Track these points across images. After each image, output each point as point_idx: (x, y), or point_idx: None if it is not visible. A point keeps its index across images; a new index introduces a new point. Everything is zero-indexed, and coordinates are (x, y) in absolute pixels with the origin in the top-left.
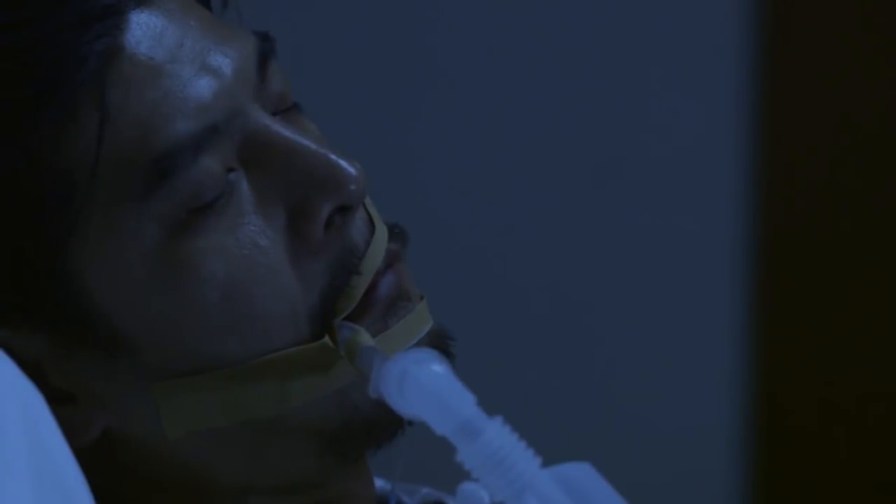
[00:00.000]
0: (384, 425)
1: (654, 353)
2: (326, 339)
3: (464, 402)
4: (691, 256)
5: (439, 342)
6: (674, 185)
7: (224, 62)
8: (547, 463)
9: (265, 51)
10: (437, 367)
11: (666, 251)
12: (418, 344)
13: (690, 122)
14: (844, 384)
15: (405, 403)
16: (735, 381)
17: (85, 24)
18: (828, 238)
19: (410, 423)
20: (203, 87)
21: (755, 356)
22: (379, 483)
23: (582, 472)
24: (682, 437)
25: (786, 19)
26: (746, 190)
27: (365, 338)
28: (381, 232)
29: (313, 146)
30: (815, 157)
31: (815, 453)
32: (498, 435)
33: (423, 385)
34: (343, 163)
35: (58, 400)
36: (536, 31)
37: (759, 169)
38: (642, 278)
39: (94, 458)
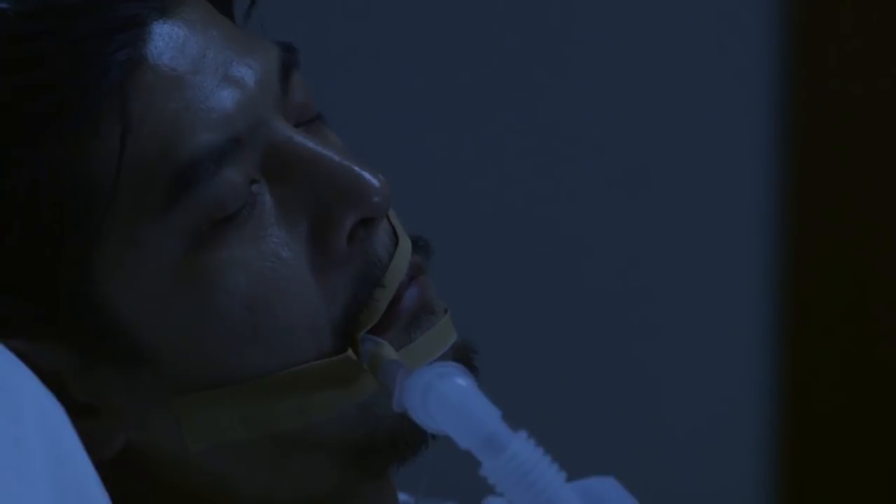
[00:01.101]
0: (408, 439)
1: (680, 369)
2: (349, 352)
3: (488, 415)
4: (718, 261)
5: (463, 355)
6: (700, 190)
7: (247, 73)
8: (571, 477)
9: (288, 61)
10: (462, 381)
11: (692, 257)
12: (442, 357)
13: (718, 128)
14: (872, 386)
15: (429, 417)
16: (761, 393)
17: (107, 34)
18: (857, 245)
19: (434, 437)
20: (226, 98)
21: (781, 366)
22: (402, 497)
23: (607, 487)
24: (708, 453)
25: (815, 22)
26: (774, 195)
27: (388, 351)
28: (405, 244)
29: (336, 157)
30: (844, 165)
31: (841, 460)
32: (523, 449)
33: (447, 398)
34: (366, 174)
35: (79, 413)
36: (561, 37)
37: (787, 174)
38: (667, 287)
39: (115, 471)
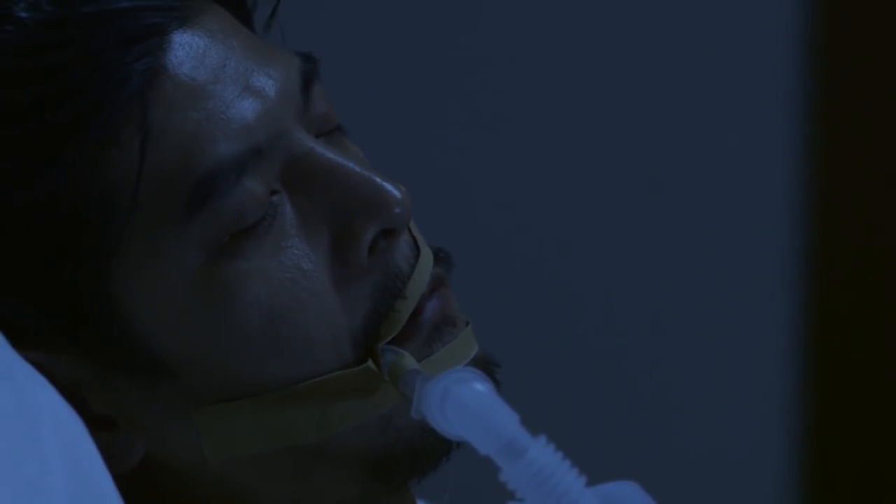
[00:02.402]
0: (428, 453)
1: (704, 374)
2: (370, 362)
3: (507, 420)
4: (741, 271)
5: (485, 368)
6: (722, 194)
7: (267, 83)
8: (592, 482)
9: (309, 72)
10: (480, 386)
11: (716, 267)
12: None
13: (741, 139)
14: None
15: (447, 423)
16: (786, 400)
17: (127, 44)
18: (884, 251)
19: (458, 445)
20: (246, 108)
21: (808, 384)
22: None
23: (628, 492)
24: (731, 455)
25: (838, 30)
26: (798, 208)
27: (409, 361)
28: (426, 256)
29: (357, 169)
30: (869, 175)
31: (869, 471)
32: (542, 454)
33: (465, 404)
34: (387, 185)
35: (98, 425)
36: (584, 48)
37: (811, 183)
38: (691, 301)
39: (134, 484)
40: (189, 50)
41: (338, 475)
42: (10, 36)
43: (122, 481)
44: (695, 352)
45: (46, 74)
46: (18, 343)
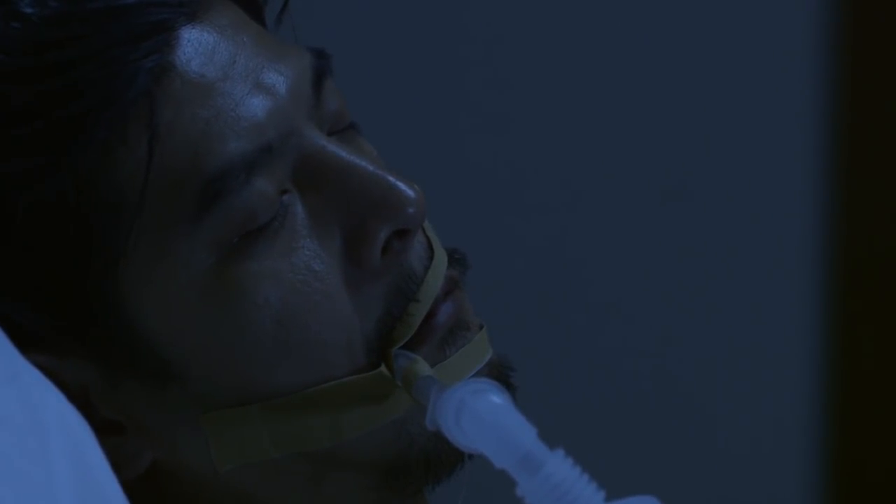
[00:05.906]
0: (442, 459)
1: (724, 384)
2: (383, 367)
3: (524, 433)
4: (764, 269)
5: (499, 373)
6: (745, 209)
7: (278, 80)
8: (611, 496)
9: (321, 68)
10: (496, 398)
11: (738, 266)
12: (477, 375)
13: (761, 141)
14: None
15: (463, 435)
16: (809, 409)
17: (134, 40)
18: None
19: (471, 456)
20: (256, 106)
21: (831, 388)
22: None
23: None
24: (753, 472)
25: (863, 30)
26: (822, 206)
27: (422, 367)
28: (441, 257)
29: (370, 167)
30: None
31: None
32: (560, 468)
33: (481, 416)
34: (401, 185)
35: (106, 430)
36: (605, 49)
37: (835, 186)
38: (710, 304)
39: (142, 490)
40: (198, 46)
41: (350, 482)
42: (16, 33)
43: (130, 488)
44: (715, 359)
45: (52, 72)
46: (25, 346)
